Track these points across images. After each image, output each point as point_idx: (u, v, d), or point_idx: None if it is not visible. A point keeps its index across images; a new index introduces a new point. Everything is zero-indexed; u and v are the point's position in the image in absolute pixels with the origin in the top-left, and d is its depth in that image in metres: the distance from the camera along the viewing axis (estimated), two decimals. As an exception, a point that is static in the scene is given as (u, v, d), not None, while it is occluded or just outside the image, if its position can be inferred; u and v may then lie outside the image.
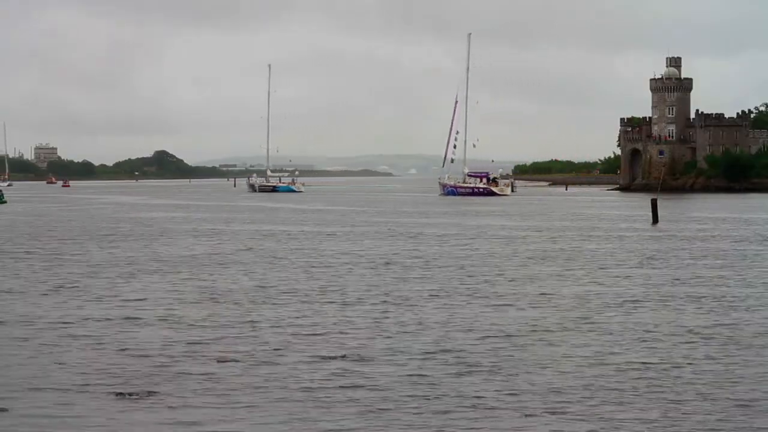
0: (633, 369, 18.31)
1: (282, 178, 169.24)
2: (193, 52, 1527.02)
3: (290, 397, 16.22)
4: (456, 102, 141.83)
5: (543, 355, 19.56)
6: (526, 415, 15.05)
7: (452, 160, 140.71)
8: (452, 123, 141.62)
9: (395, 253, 42.63)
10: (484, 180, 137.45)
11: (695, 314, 25.13)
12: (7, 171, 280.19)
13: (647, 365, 18.65)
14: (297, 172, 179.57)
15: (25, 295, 28.78)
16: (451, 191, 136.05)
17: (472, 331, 22.39)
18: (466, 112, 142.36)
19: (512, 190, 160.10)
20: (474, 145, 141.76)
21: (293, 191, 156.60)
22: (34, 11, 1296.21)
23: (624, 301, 27.52)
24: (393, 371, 18.06)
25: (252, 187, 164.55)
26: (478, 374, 17.84)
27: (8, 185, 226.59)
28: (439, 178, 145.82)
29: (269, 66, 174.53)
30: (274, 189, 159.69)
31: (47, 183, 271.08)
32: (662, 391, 16.62)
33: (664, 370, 18.31)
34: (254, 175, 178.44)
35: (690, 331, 22.46)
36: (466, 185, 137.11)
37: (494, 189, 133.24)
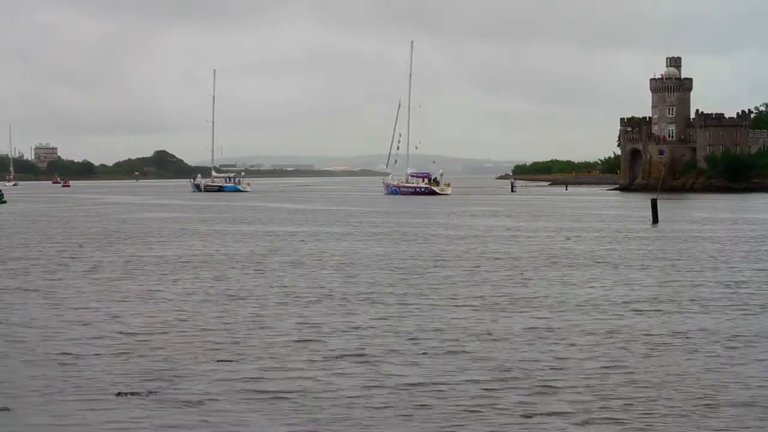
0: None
1: (228, 178, 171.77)
2: (194, 51, 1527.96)
3: (292, 397, 16.25)
4: (399, 106, 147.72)
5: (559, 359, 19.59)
6: (527, 416, 15.10)
7: (395, 161, 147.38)
8: (395, 126, 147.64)
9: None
10: (426, 180, 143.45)
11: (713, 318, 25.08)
12: (12, 171, 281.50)
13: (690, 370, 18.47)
14: (243, 173, 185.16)
15: (25, 297, 28.81)
16: (394, 191, 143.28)
17: (475, 335, 22.43)
18: (409, 114, 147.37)
19: (512, 190, 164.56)
20: (416, 147, 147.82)
21: (240, 191, 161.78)
22: (32, 10, 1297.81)
23: (627, 303, 27.54)
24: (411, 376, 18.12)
25: (197, 187, 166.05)
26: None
27: (13, 185, 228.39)
28: (383, 179, 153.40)
29: (214, 71, 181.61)
30: (220, 189, 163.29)
31: (53, 183, 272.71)
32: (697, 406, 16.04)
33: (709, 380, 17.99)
34: (198, 175, 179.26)
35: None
36: (408, 185, 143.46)
37: (435, 189, 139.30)
